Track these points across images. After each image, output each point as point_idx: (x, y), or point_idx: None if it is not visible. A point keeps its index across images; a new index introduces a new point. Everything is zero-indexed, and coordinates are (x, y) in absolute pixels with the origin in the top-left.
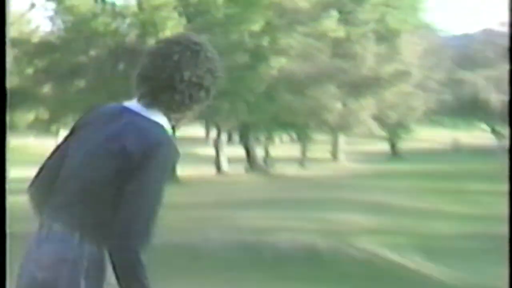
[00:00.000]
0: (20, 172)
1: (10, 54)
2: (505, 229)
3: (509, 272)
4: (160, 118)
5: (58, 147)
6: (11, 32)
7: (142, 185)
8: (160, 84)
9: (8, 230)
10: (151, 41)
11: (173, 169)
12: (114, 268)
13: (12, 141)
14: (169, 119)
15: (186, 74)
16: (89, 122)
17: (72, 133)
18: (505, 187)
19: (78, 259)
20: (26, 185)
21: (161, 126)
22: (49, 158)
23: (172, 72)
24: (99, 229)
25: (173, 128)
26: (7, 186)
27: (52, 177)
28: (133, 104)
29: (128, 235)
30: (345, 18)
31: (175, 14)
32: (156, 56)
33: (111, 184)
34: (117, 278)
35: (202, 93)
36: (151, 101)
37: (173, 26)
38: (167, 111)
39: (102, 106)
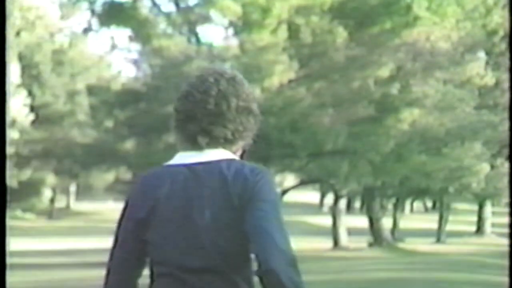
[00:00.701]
0: (96, 244)
1: (86, 103)
2: None
3: (509, 272)
4: (228, 154)
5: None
6: (88, 77)
7: (264, 203)
8: (210, 119)
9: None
10: (254, 89)
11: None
12: (268, 282)
13: (87, 206)
14: None
15: (232, 101)
16: (161, 195)
17: (139, 219)
18: None
19: None
20: (101, 258)
21: (238, 159)
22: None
23: (218, 102)
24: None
25: None
26: (8, 194)
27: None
28: (187, 155)
29: (275, 242)
30: (495, 61)
31: (284, 57)
32: (194, 93)
33: (240, 233)
34: None
35: (251, 118)
36: (206, 140)
37: (282, 71)
38: (225, 144)
39: (151, 175)
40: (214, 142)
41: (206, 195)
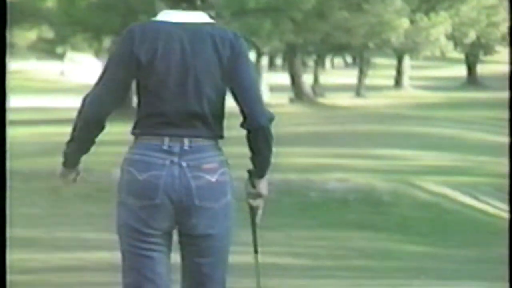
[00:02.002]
0: (19, 102)
1: None
2: None
3: (509, 270)
4: (207, 17)
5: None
6: None
7: (248, 66)
8: None
9: (8, 231)
10: None
11: None
12: (257, 135)
13: (10, 65)
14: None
15: None
16: (159, 46)
17: (138, 63)
18: None
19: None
20: (26, 116)
21: (217, 24)
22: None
23: None
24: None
25: None
26: (7, 182)
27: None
28: (172, 14)
29: (260, 102)
30: None
31: None
32: None
33: (224, 88)
34: (258, 143)
35: None
36: (186, 3)
37: None
38: (201, 7)
39: (145, 27)
40: (193, 4)
41: (200, 53)
